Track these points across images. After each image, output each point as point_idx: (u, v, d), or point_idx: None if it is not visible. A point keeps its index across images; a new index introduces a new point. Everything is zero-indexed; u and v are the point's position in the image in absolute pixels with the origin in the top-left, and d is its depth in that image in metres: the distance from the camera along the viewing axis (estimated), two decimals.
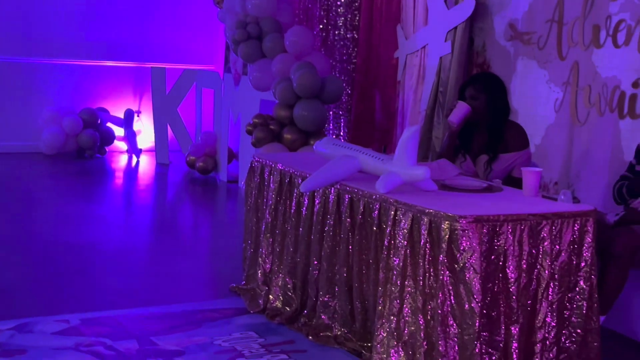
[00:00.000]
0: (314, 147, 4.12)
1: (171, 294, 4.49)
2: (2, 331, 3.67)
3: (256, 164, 4.44)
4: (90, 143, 8.85)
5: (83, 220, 6.22)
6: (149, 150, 9.37)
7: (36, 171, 8.16)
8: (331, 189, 3.74)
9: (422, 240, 3.14)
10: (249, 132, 6.67)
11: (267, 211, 4.25)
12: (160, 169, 8.72)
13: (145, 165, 8.91)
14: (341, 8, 7.47)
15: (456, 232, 3.03)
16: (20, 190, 7.23)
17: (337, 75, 7.45)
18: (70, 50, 9.08)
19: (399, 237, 3.24)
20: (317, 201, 3.86)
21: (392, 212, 3.30)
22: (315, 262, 3.89)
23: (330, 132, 7.69)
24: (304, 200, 3.95)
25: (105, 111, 9.21)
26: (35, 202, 6.85)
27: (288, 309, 4.06)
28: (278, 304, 4.13)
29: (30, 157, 8.59)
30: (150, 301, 4.31)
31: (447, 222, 3.05)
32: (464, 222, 3.02)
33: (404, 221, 3.23)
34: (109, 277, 4.76)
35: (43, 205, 6.71)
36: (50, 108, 8.94)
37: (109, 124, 9.20)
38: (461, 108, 4.21)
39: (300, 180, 3.97)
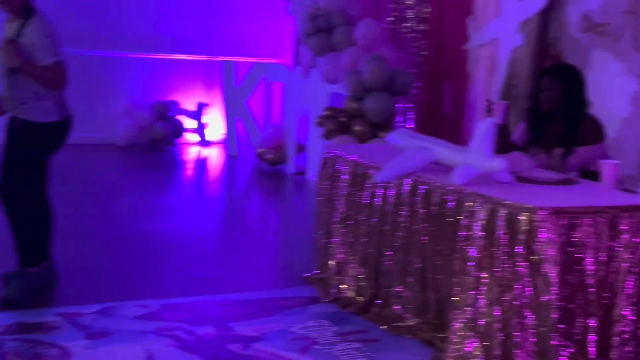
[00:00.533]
0: (388, 138, 4.15)
1: (245, 282, 4.58)
2: (87, 314, 3.81)
3: (329, 155, 4.49)
4: (162, 135, 9.05)
5: (156, 210, 6.38)
6: (218, 143, 9.53)
7: (110, 162, 8.39)
8: (405, 180, 3.77)
9: (499, 232, 3.15)
10: (319, 125, 6.73)
11: (340, 202, 4.30)
12: (230, 160, 8.86)
13: (215, 157, 9.07)
14: (411, 1, 7.47)
15: (534, 224, 3.02)
16: (95, 181, 7.44)
17: (406, 67, 7.46)
18: (144, 43, 9.29)
19: (475, 228, 3.25)
20: (390, 192, 3.89)
21: (469, 204, 3.32)
22: (389, 253, 3.92)
23: (398, 124, 7.69)
24: (378, 191, 3.99)
25: (176, 104, 9.40)
26: (111, 192, 7.05)
27: (360, 299, 4.10)
28: (350, 293, 4.18)
29: (104, 148, 8.82)
30: (225, 289, 4.41)
31: (525, 214, 3.05)
32: (543, 214, 3.02)
33: (480, 212, 3.24)
34: (184, 265, 4.88)
35: (118, 195, 6.90)
36: (124, 101, 9.17)
37: (180, 117, 9.39)
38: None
39: (373, 172, 4.01)
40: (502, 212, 3.15)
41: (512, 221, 3.11)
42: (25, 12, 3.88)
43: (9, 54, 3.76)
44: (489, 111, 4.32)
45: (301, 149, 8.17)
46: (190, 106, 9.46)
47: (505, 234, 3.13)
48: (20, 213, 3.97)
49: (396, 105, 7.02)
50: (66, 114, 4.05)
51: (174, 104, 9.38)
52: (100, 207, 6.35)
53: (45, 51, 3.85)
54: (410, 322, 3.78)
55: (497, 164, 3.44)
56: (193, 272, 4.73)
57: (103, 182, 7.44)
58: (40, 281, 4.07)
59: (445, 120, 7.35)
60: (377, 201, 3.99)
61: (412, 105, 7.66)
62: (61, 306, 3.95)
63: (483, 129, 3.48)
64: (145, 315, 3.87)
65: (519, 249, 3.07)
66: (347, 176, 4.26)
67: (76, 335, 3.56)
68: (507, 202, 3.15)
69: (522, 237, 3.06)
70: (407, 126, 7.70)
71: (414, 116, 7.66)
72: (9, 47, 3.78)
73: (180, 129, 9.34)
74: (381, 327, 3.84)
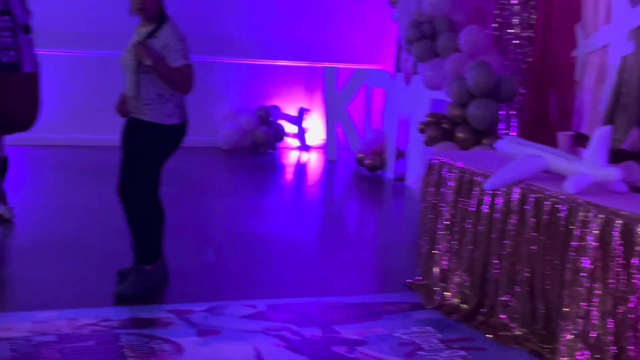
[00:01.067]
0: (496, 145, 4.12)
1: (345, 285, 4.63)
2: (197, 312, 3.94)
3: (434, 161, 4.49)
4: (263, 139, 9.21)
5: (258, 212, 6.50)
6: (318, 147, 9.63)
7: (214, 165, 8.60)
8: (515, 188, 3.74)
9: (614, 243, 3.08)
10: (421, 131, 6.72)
11: (446, 209, 4.29)
12: (329, 165, 8.94)
13: (315, 161, 9.17)
14: (517, 7, 7.36)
15: None
16: (200, 182, 7.65)
17: (510, 74, 7.35)
18: (247, 50, 9.49)
19: (588, 238, 3.19)
20: (498, 200, 3.86)
21: (582, 213, 3.26)
22: (495, 261, 3.89)
23: (501, 131, 7.59)
24: (485, 199, 3.96)
25: (278, 109, 9.55)
26: (214, 193, 7.23)
27: (465, 307, 4.08)
28: (455, 301, 4.16)
29: (208, 151, 9.05)
30: (328, 291, 4.47)
31: None
32: None
33: (594, 223, 3.18)
34: (287, 267, 4.97)
35: (221, 197, 7.06)
36: (227, 105, 9.39)
37: (281, 121, 9.53)
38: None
39: (481, 179, 3.98)
40: (618, 223, 3.08)
41: (628, 232, 3.05)
42: (159, 17, 4.06)
43: (139, 53, 3.93)
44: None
45: (401, 154, 8.17)
46: (292, 111, 9.59)
47: (620, 245, 3.06)
48: (137, 213, 4.13)
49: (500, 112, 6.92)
50: (185, 117, 4.19)
51: (276, 108, 9.53)
52: (205, 208, 6.52)
53: (177, 53, 4.01)
54: (517, 332, 3.74)
55: (612, 173, 3.37)
56: (295, 274, 4.81)
57: (207, 184, 7.63)
58: (153, 279, 4.22)
59: (550, 129, 7.20)
60: (485, 209, 3.97)
61: (515, 112, 7.54)
62: (172, 303, 4.09)
63: (598, 137, 3.41)
64: (253, 315, 3.96)
65: (635, 260, 3.00)
66: (453, 183, 4.25)
67: (188, 332, 3.68)
68: (623, 212, 3.08)
69: (638, 248, 2.99)
70: (509, 134, 7.59)
71: (517, 123, 7.54)
72: (139, 46, 3.95)
73: (281, 134, 9.49)
74: (487, 335, 3.81)
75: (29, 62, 1.66)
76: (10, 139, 4.63)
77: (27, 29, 1.68)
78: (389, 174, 8.15)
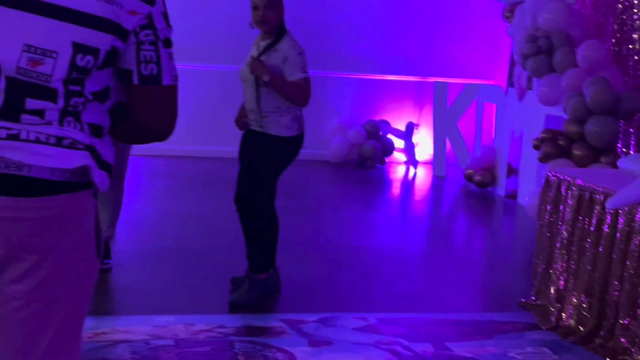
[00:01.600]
0: (619, 163, 3.99)
1: (456, 302, 4.57)
2: (309, 322, 3.97)
3: (552, 178, 4.38)
4: (372, 153, 9.23)
5: (367, 226, 6.51)
6: (426, 163, 9.57)
7: (323, 178, 8.68)
8: (639, 208, 3.60)
9: None
10: (536, 147, 6.57)
11: (564, 227, 4.18)
12: (437, 181, 8.86)
13: (422, 176, 9.11)
14: (638, 22, 7.12)
15: None
16: (310, 195, 7.73)
17: (631, 90, 7.11)
18: (357, 64, 9.54)
19: None
20: (621, 219, 3.73)
21: None
22: (616, 283, 3.75)
23: (618, 149, 7.34)
24: (606, 218, 3.84)
25: (387, 123, 9.55)
26: (324, 206, 7.29)
27: (582, 329, 3.96)
28: (571, 322, 4.04)
29: (318, 164, 9.14)
30: (439, 307, 4.42)
31: None
32: None
33: None
34: (396, 282, 4.95)
35: (330, 210, 7.12)
36: (337, 119, 9.46)
37: (390, 136, 9.53)
38: None
39: (602, 197, 3.86)
40: None
41: None
42: (279, 31, 4.14)
43: (257, 69, 4.02)
44: None
45: (512, 171, 8.01)
46: (400, 126, 9.57)
47: None
48: (253, 222, 4.21)
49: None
50: (302, 129, 4.25)
51: (385, 123, 9.54)
52: (315, 220, 6.58)
53: (296, 66, 4.07)
54: (638, 357, 3.59)
55: None
56: (405, 289, 4.79)
57: (317, 197, 7.71)
58: (266, 287, 4.29)
59: None
60: (605, 228, 3.84)
61: (633, 130, 7.27)
62: (284, 313, 4.14)
63: None
64: (364, 327, 3.97)
65: None
66: (572, 201, 4.13)
67: (300, 342, 3.72)
68: None
69: None
70: (627, 152, 7.33)
71: (634, 141, 7.27)
72: (256, 63, 4.04)
73: (389, 148, 9.48)
74: (605, 359, 3.68)
75: (168, 75, 1.72)
76: (135, 149, 4.83)
77: (167, 43, 1.73)
78: (500, 190, 8.01)
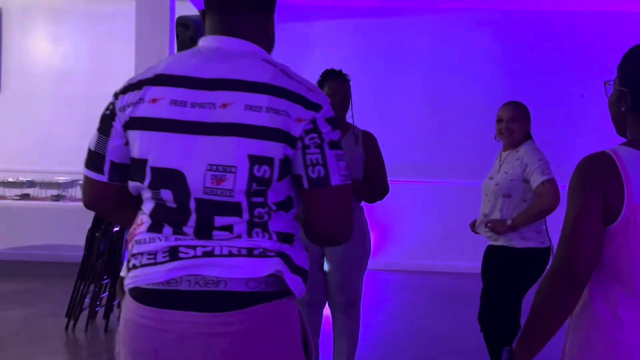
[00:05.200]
0: None
1: None
2: None
3: None
4: None
5: None
6: None
7: None
8: None
9: None
10: None
11: None
12: None
13: None
14: None
15: None
16: None
17: None
18: None
19: None
20: None
21: None
22: None
23: None
24: None
25: None
26: None
27: None
28: None
29: None
30: None
31: None
32: None
33: None
34: None
35: None
36: None
37: None
38: None
39: None
40: None
41: None
42: (523, 140, 4.06)
43: (497, 231, 3.97)
44: None
45: None
46: None
47: None
48: (498, 343, 3.98)
49: None
50: (547, 241, 4.01)
51: None
52: None
53: (538, 170, 3.88)
54: None
55: None
56: None
57: None
58: None
59: None
60: None
61: None
62: None
63: None
64: None
65: None
66: None
67: None
68: None
69: None
70: None
71: None
72: (495, 225, 3.98)
73: None
74: None
75: (336, 175, 1.73)
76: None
77: (333, 145, 1.75)
78: None
